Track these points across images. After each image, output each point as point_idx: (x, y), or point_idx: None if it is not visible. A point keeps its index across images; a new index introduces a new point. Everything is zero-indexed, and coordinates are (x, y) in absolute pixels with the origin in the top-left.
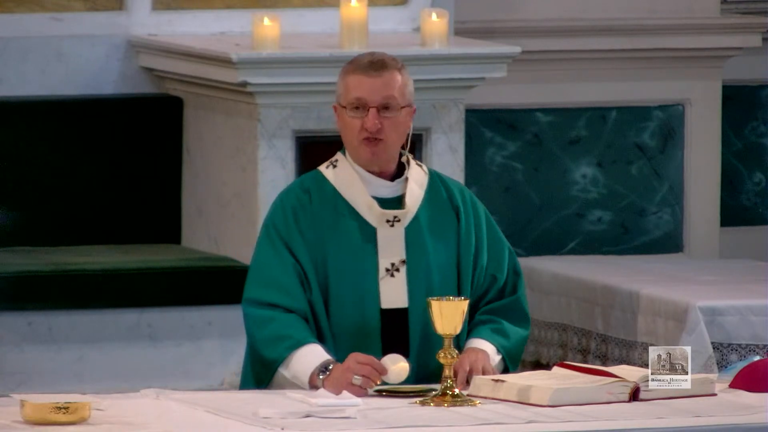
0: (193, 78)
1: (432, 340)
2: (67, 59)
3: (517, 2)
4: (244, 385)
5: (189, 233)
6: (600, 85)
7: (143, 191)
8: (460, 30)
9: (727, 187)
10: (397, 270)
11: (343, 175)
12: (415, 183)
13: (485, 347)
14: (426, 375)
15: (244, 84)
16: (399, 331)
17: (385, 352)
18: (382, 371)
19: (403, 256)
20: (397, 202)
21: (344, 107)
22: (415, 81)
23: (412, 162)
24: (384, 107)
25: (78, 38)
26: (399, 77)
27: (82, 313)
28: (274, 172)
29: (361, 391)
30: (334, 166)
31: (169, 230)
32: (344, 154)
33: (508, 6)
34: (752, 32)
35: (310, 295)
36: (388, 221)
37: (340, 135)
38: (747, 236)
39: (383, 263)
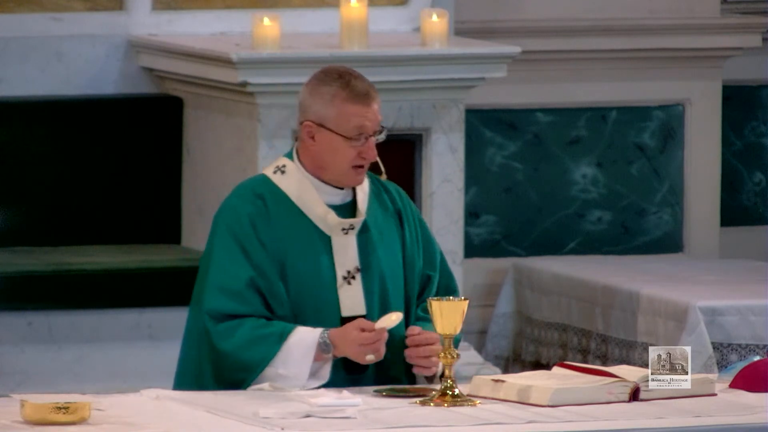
0: (193, 78)
1: (390, 346)
2: (67, 59)
3: (517, 2)
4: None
5: (189, 233)
6: (600, 85)
7: (143, 191)
8: (460, 30)
9: (727, 187)
10: (353, 277)
11: (294, 182)
12: (360, 189)
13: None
14: (385, 379)
15: (244, 84)
16: None
17: (345, 359)
18: (384, 339)
19: (357, 264)
20: (348, 209)
21: (336, 133)
22: (415, 81)
23: None
24: (375, 132)
25: (78, 38)
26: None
27: (82, 313)
28: None
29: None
30: (283, 173)
31: (169, 230)
32: (290, 159)
33: (508, 6)
34: (752, 32)
35: (279, 306)
36: (343, 229)
37: (315, 152)
38: (747, 236)
39: (340, 271)
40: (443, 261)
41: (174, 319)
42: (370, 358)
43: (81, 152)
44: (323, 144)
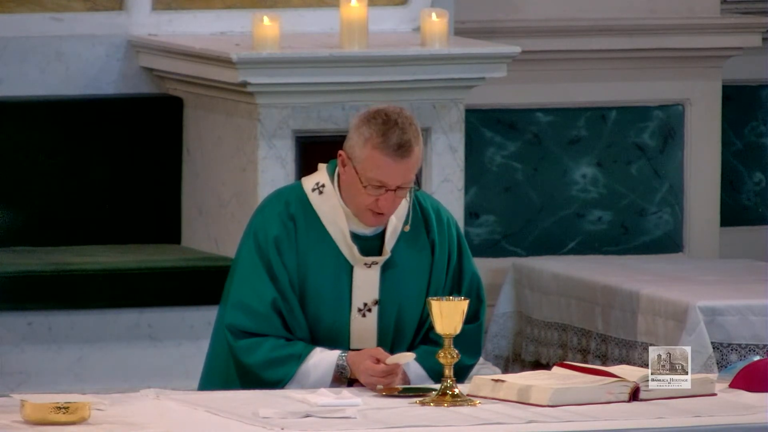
0: (193, 78)
1: None
2: (67, 59)
3: (517, 2)
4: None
5: (189, 233)
6: (600, 85)
7: (143, 191)
8: (460, 30)
9: (727, 187)
10: (369, 310)
11: (329, 206)
12: (395, 217)
13: (410, 369)
14: None
15: (244, 84)
16: None
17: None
18: (396, 374)
19: (377, 296)
20: (378, 239)
21: (358, 174)
22: (415, 81)
23: None
24: (399, 188)
25: (78, 38)
26: (418, 155)
27: (82, 313)
28: (274, 172)
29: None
30: (321, 192)
31: (169, 230)
32: (331, 177)
33: (508, 6)
34: (752, 32)
35: (299, 328)
36: (365, 264)
37: (343, 181)
38: (747, 236)
39: (356, 302)
40: (474, 287)
41: (174, 319)
42: (380, 388)
43: (81, 152)
44: (348, 177)
